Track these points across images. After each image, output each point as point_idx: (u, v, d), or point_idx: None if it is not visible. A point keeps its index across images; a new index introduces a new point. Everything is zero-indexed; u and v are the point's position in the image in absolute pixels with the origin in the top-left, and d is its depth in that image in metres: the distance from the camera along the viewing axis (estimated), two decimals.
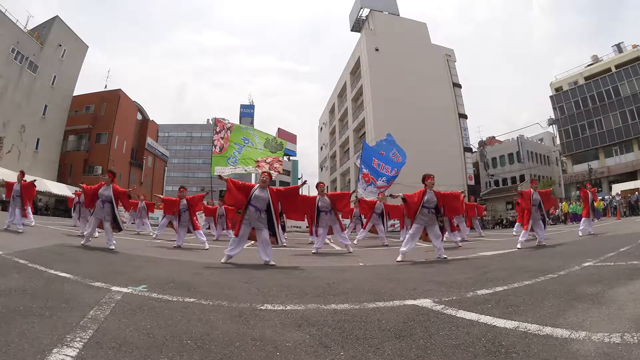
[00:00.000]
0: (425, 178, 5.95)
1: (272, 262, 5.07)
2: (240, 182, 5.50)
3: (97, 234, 6.68)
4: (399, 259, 5.52)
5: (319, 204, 7.61)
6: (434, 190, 5.91)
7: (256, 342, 1.94)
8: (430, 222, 5.82)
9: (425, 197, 5.81)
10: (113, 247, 6.13)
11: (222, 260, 5.10)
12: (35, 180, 9.31)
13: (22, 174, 8.87)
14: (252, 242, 5.46)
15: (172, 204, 8.40)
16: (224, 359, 1.72)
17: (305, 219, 8.16)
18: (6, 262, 4.03)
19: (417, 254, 6.16)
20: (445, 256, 5.73)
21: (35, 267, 3.80)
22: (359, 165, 13.54)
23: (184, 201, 7.94)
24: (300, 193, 5.64)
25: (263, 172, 5.46)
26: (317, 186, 7.95)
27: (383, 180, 13.08)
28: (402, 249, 5.65)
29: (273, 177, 10.91)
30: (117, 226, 6.56)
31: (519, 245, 6.90)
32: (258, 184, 5.37)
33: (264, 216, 5.23)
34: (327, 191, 8.73)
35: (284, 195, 5.54)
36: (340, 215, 7.99)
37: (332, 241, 9.83)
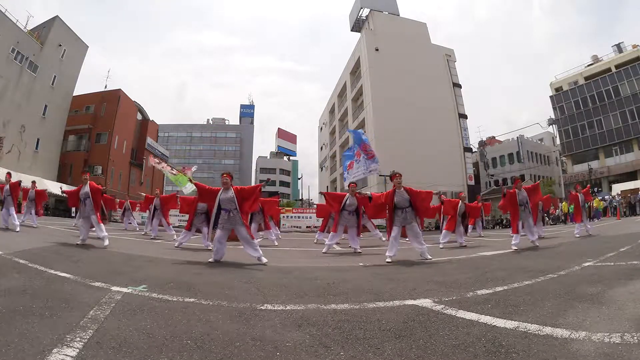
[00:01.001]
0: (391, 177, 5.78)
1: (264, 259, 5.09)
2: (207, 187, 5.58)
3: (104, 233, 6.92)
4: (387, 260, 5.48)
5: (347, 201, 7.47)
6: (406, 188, 5.76)
7: (256, 342, 1.94)
8: (407, 221, 5.70)
9: (396, 199, 5.70)
10: (107, 243, 6.31)
11: (210, 260, 5.18)
12: (21, 182, 9.68)
13: (9, 174, 9.33)
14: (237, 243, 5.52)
15: (191, 205, 8.18)
16: (224, 359, 1.72)
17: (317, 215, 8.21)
18: (6, 262, 4.03)
19: (417, 254, 6.15)
20: (430, 257, 5.63)
21: (35, 267, 3.80)
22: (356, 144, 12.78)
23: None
24: (259, 192, 5.64)
25: (223, 174, 5.43)
26: (349, 186, 7.95)
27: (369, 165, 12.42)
28: (388, 253, 5.59)
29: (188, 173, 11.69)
30: (102, 215, 6.88)
31: (513, 247, 6.80)
32: (222, 188, 5.38)
33: (235, 214, 5.23)
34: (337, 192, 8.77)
35: (244, 193, 5.44)
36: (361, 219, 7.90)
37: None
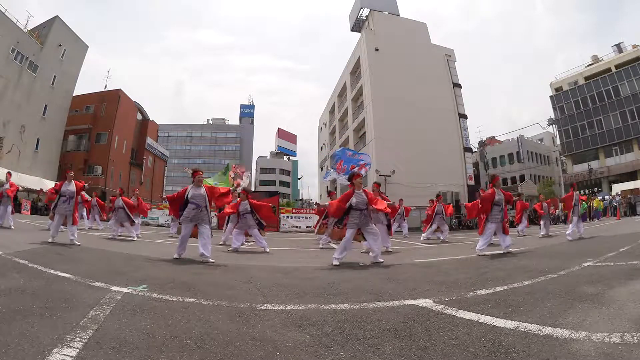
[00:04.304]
0: (353, 177, 5.46)
1: (212, 260, 5.15)
2: (175, 194, 5.77)
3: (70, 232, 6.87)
4: (334, 263, 5.01)
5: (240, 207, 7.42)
6: (364, 190, 5.44)
7: (256, 342, 1.94)
8: (363, 223, 5.27)
9: (354, 200, 5.26)
10: (78, 243, 6.43)
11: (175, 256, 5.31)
12: (19, 189, 10.29)
13: (10, 174, 9.90)
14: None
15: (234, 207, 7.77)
16: (224, 359, 1.72)
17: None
18: (6, 262, 4.03)
19: (418, 254, 6.15)
20: (382, 260, 5.20)
21: (35, 267, 3.80)
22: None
23: (246, 204, 7.48)
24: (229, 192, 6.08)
25: (195, 172, 5.72)
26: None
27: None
28: (336, 255, 5.11)
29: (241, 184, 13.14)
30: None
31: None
32: (192, 185, 5.58)
33: (204, 212, 5.44)
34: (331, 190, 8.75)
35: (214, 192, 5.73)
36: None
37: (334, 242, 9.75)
